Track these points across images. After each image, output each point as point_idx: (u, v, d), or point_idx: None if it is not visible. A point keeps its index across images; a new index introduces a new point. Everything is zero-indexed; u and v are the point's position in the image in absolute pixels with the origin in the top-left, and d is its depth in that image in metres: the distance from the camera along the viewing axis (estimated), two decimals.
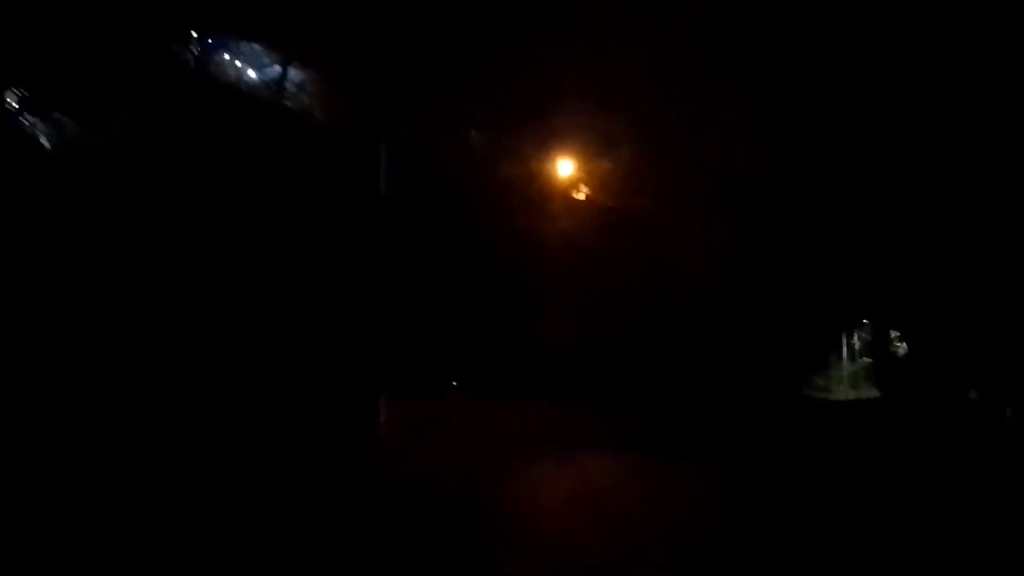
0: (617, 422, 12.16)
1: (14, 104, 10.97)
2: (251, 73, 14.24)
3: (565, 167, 17.00)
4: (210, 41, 13.67)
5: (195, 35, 13.40)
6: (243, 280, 12.83)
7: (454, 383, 13.88)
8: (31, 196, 10.44)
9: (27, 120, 11.06)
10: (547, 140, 16.69)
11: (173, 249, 11.94)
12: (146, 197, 11.87)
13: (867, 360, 20.00)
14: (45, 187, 10.60)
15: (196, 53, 13.50)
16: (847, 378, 19.72)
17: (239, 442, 8.28)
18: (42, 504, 6.15)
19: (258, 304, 12.84)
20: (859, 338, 20.48)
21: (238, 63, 14.28)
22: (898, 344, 19.77)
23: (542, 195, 16.94)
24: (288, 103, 14.16)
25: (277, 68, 14.29)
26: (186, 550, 5.61)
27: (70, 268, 10.53)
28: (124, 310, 10.86)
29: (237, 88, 13.91)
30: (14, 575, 5.09)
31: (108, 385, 9.41)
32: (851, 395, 18.79)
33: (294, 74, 14.44)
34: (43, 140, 11.04)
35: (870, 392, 18.83)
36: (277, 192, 13.61)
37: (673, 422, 12.52)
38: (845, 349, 20.15)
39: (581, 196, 17.17)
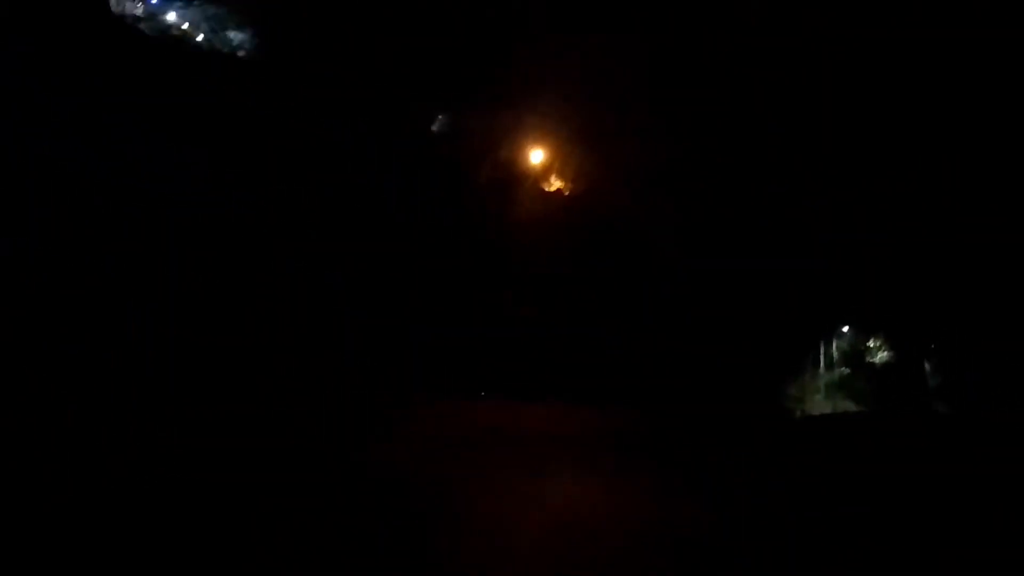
0: (585, 420, 12.19)
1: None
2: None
3: (537, 157, 17.16)
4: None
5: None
6: (244, 280, 12.85)
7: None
8: (31, 196, 10.44)
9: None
10: (525, 132, 16.82)
11: (174, 249, 11.95)
12: (146, 197, 11.88)
13: (845, 370, 19.68)
14: (45, 187, 10.59)
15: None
16: (823, 388, 19.36)
17: (239, 442, 8.27)
18: (42, 504, 6.15)
19: (259, 304, 12.86)
20: (836, 347, 20.13)
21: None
22: (885, 350, 19.49)
23: (519, 186, 17.02)
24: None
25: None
26: (186, 550, 5.60)
27: (70, 268, 10.53)
28: (124, 310, 10.86)
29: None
30: (14, 575, 5.09)
31: (108, 385, 9.40)
32: (827, 407, 18.34)
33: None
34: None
35: (847, 405, 18.46)
36: (277, 192, 13.64)
37: (646, 422, 12.51)
38: (822, 357, 19.78)
39: (553, 188, 17.27)
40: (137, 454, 7.77)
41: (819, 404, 18.64)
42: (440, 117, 16.25)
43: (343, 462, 8.55)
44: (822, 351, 19.36)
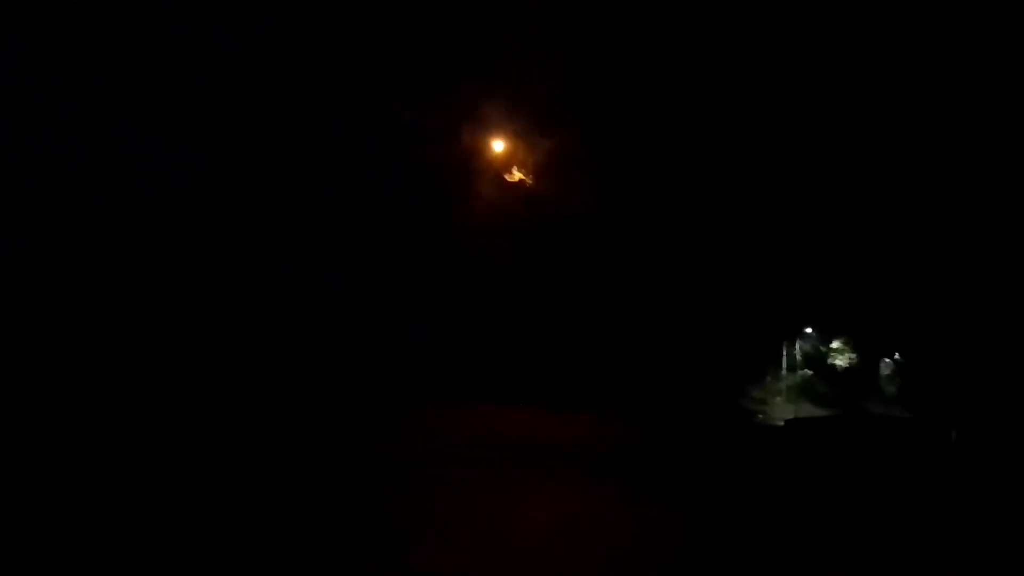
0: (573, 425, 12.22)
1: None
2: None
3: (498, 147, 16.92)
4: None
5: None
6: (243, 280, 12.84)
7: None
8: (31, 196, 10.44)
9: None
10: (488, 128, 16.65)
11: (173, 249, 11.95)
12: (146, 197, 11.88)
13: (807, 372, 19.56)
14: (45, 187, 10.59)
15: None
16: (784, 391, 19.23)
17: (239, 442, 8.28)
18: (42, 504, 6.15)
19: (258, 304, 12.85)
20: (799, 348, 20.01)
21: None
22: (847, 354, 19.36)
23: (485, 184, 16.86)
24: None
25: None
26: (186, 550, 5.60)
27: (70, 268, 10.53)
28: (124, 310, 10.86)
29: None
30: (14, 575, 5.08)
31: (108, 385, 9.39)
32: (788, 410, 18.20)
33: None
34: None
35: (807, 407, 18.34)
36: (277, 192, 13.64)
37: (638, 426, 12.51)
38: (784, 360, 19.64)
39: (515, 179, 17.10)
40: (136, 454, 7.77)
41: (780, 407, 18.53)
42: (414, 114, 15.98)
43: (342, 463, 8.55)
44: (784, 353, 19.28)
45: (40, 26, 10.83)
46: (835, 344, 19.59)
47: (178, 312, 11.45)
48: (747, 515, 7.41)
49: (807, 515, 7.42)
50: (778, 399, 18.96)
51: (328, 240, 13.88)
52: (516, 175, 16.79)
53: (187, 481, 7.03)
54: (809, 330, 19.65)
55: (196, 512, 6.40)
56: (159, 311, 11.23)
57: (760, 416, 17.98)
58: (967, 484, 8.28)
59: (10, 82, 10.44)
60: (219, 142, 13.05)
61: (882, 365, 19.04)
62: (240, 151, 13.31)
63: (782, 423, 15.11)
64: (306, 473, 7.88)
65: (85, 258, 10.75)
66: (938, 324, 16.12)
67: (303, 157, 13.99)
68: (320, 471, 8.01)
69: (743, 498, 8.20)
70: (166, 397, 9.64)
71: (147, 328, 10.85)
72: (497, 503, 7.28)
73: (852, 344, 19.21)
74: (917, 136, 14.93)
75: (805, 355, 19.86)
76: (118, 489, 6.80)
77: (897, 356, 18.54)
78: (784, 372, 19.51)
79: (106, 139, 11.50)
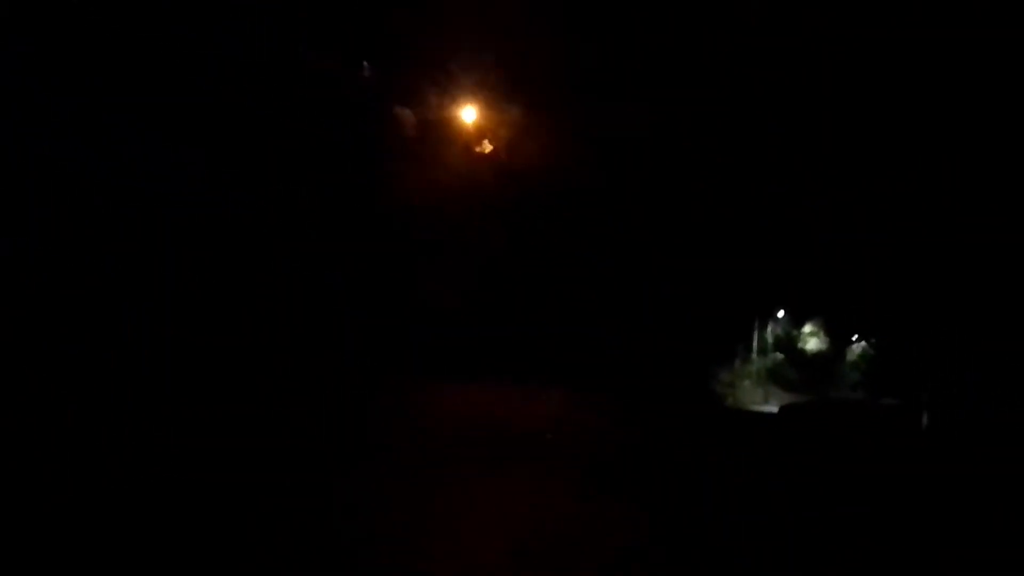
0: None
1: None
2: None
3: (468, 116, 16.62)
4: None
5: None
6: (243, 280, 12.85)
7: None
8: (31, 196, 10.44)
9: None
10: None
11: (173, 249, 11.96)
12: (146, 197, 11.89)
13: (778, 356, 19.30)
14: (45, 187, 10.60)
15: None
16: (754, 374, 19.00)
17: (239, 442, 8.29)
18: (42, 504, 6.15)
19: (258, 304, 12.86)
20: (771, 331, 19.74)
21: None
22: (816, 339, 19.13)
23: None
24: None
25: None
26: (186, 550, 5.60)
27: (70, 268, 10.53)
28: (124, 310, 10.86)
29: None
30: (14, 575, 5.08)
31: (108, 385, 9.39)
32: (758, 395, 17.97)
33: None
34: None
35: (776, 392, 18.13)
36: (277, 192, 13.65)
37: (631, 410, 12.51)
38: (755, 343, 19.35)
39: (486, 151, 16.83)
40: (136, 454, 7.78)
41: (749, 390, 18.29)
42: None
43: (342, 463, 8.56)
44: (756, 337, 19.03)
45: (40, 26, 10.83)
46: (807, 328, 19.42)
47: (178, 312, 11.46)
48: (747, 514, 7.41)
49: (807, 514, 7.43)
50: (747, 382, 18.76)
51: (327, 240, 13.90)
52: (487, 146, 16.51)
53: (187, 481, 7.03)
54: (781, 313, 19.45)
55: (196, 512, 6.40)
56: (159, 311, 11.24)
57: (729, 400, 17.80)
58: (967, 484, 8.28)
59: (10, 82, 10.44)
60: (219, 142, 13.05)
61: (848, 351, 18.89)
62: (240, 151, 13.32)
63: (771, 409, 14.99)
64: (306, 473, 7.89)
65: (85, 258, 10.75)
66: (929, 313, 16.09)
67: (303, 157, 14.00)
68: (320, 471, 8.02)
69: (743, 496, 8.21)
70: (166, 397, 9.64)
71: (147, 328, 10.85)
72: (497, 502, 7.29)
73: (824, 328, 19.06)
74: (916, 135, 14.94)
75: (776, 339, 19.65)
76: (118, 489, 6.81)
77: (871, 341, 18.39)
78: (755, 355, 19.30)
79: (106, 139, 11.50)
